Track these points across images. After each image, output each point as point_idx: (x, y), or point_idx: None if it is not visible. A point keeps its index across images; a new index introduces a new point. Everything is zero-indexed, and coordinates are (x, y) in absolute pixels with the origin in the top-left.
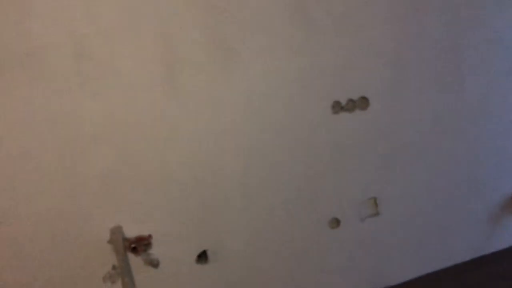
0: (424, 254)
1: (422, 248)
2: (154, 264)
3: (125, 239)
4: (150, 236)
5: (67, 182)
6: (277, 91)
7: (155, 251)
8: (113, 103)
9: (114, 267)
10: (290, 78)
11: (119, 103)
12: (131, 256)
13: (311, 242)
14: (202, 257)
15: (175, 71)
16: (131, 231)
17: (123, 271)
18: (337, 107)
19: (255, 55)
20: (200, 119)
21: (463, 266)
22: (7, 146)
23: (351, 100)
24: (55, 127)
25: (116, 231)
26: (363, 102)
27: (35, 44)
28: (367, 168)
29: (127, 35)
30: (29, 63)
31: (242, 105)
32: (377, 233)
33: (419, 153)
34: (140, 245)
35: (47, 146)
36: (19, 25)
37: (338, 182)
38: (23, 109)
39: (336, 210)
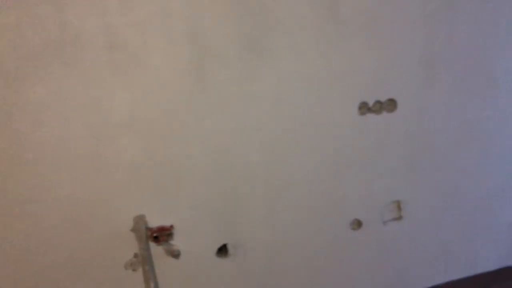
0: (447, 261)
1: (445, 255)
2: (175, 254)
3: (148, 228)
4: (172, 227)
5: (95, 169)
6: (304, 89)
7: (176, 241)
8: (142, 94)
9: (135, 255)
10: (318, 77)
11: (148, 94)
12: (152, 245)
13: (331, 242)
14: (223, 250)
15: (204, 65)
16: (154, 221)
17: (145, 259)
18: (364, 108)
19: (285, 53)
20: (226, 114)
21: (487, 276)
22: (41, 131)
23: (378, 102)
24: (86, 115)
25: (139, 220)
26: (390, 104)
27: (71, 34)
28: (392, 170)
29: (158, 27)
30: (64, 52)
31: (269, 101)
32: (399, 237)
33: (446, 158)
34: (162, 235)
35: (78, 133)
36: (57, 14)
37: (362, 184)
38: (57, 96)
39: (359, 212)
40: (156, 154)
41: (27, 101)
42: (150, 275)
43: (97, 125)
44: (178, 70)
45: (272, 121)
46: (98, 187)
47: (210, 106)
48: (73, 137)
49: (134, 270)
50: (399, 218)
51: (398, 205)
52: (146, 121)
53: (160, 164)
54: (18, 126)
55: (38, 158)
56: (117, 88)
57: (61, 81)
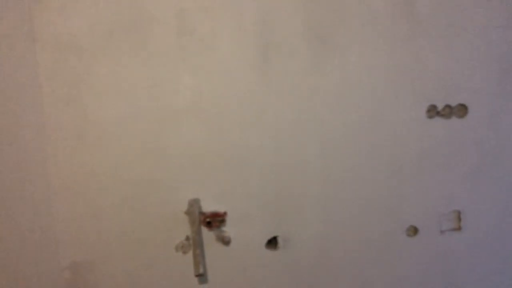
0: (506, 279)
1: (504, 272)
2: (226, 241)
3: (201, 213)
4: (225, 213)
5: (156, 151)
6: (370, 86)
7: (227, 229)
8: (206, 81)
9: (187, 238)
10: (387, 75)
11: (213, 82)
12: (204, 230)
13: (385, 246)
14: (272, 242)
15: (270, 56)
16: (208, 206)
17: (195, 243)
18: (433, 111)
19: (353, 48)
20: (288, 107)
21: None
22: (106, 109)
23: (448, 106)
24: (150, 97)
25: (194, 203)
26: (461, 110)
27: (143, 17)
28: (455, 178)
29: (228, 14)
30: (135, 34)
31: (331, 96)
32: (457, 248)
33: None
34: (215, 220)
35: (141, 115)
36: None
37: (422, 189)
38: (124, 77)
39: (415, 218)
40: (215, 141)
41: (96, 79)
42: (199, 259)
43: (160, 108)
44: (244, 59)
45: (334, 117)
46: (157, 169)
47: (273, 97)
48: (136, 118)
49: (184, 252)
50: (458, 228)
51: (458, 215)
52: (208, 108)
53: (219, 151)
54: (86, 103)
55: (100, 136)
56: (182, 73)
57: (129, 62)
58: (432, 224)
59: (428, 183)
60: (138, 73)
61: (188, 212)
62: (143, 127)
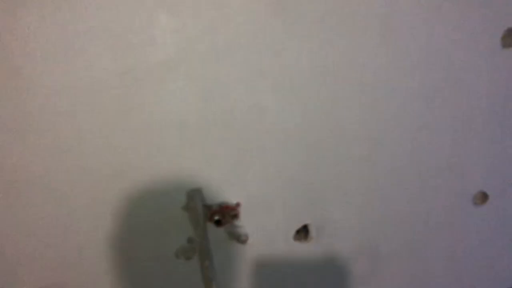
0: None
1: None
2: (242, 240)
3: (206, 206)
4: (238, 205)
5: (131, 126)
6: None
7: (243, 223)
8: (194, 19)
9: (189, 240)
10: None
11: (203, 20)
12: (211, 226)
13: (444, 222)
14: (301, 232)
15: None
16: (213, 197)
17: (203, 251)
18: (510, 37)
19: None
20: (315, 52)
21: None
22: (50, 76)
23: None
24: (114, 54)
25: (195, 195)
26: None
27: None
28: None
29: None
30: None
31: (371, 32)
32: None
33: None
34: (225, 215)
35: (104, 80)
36: None
37: (494, 142)
38: (78, 23)
39: (484, 182)
40: (215, 104)
41: (27, 36)
42: (210, 274)
43: (130, 68)
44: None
45: (376, 60)
46: (135, 150)
47: (293, 40)
48: (97, 85)
49: (187, 258)
50: None
51: None
52: (199, 58)
53: (221, 119)
54: (19, 63)
55: (48, 119)
56: (159, 12)
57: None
58: (506, 185)
59: (500, 133)
60: (91, 21)
61: (187, 208)
62: (110, 96)
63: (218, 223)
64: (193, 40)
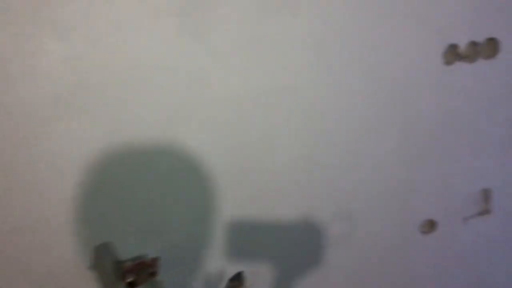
0: None
1: None
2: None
3: (117, 263)
4: (156, 260)
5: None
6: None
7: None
8: None
9: None
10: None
11: None
12: None
13: (396, 250)
14: (236, 279)
15: None
16: (130, 250)
17: None
18: (452, 54)
19: None
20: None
21: None
22: None
23: (472, 43)
24: None
25: (104, 250)
26: (490, 46)
27: None
28: (484, 145)
29: None
30: None
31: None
32: (485, 238)
33: None
34: (140, 274)
35: None
36: None
37: (441, 168)
38: None
39: (432, 209)
40: (118, 150)
41: None
42: None
43: (15, 99)
44: None
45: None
46: (25, 194)
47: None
48: None
49: None
50: (486, 212)
51: (486, 194)
52: (99, 90)
53: (124, 166)
54: None
55: None
56: (49, 38)
57: None
58: (453, 213)
59: (448, 158)
60: None
61: (94, 267)
62: None
63: (131, 285)
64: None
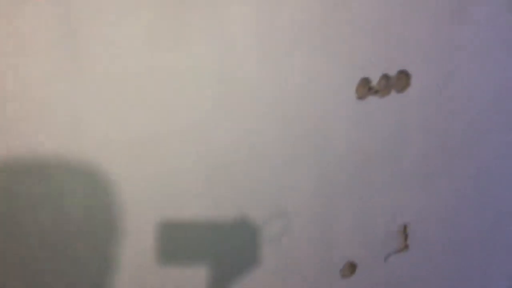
0: None
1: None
2: None
3: None
4: None
5: None
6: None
7: None
8: None
9: None
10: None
11: None
12: None
13: None
14: None
15: None
16: None
17: None
18: (364, 87)
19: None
20: None
21: None
22: None
23: (385, 77)
24: None
25: None
26: (401, 79)
27: None
28: (398, 180)
29: None
30: None
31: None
32: (405, 273)
33: (480, 158)
34: None
35: None
36: None
37: (357, 207)
38: None
39: (352, 251)
40: None
41: None
42: None
43: None
44: None
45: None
46: None
47: None
48: None
49: None
50: (405, 248)
51: (404, 230)
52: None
53: None
54: None
55: None
56: None
57: None
58: (372, 252)
59: (364, 193)
60: None
61: None
62: None
63: None
64: None
